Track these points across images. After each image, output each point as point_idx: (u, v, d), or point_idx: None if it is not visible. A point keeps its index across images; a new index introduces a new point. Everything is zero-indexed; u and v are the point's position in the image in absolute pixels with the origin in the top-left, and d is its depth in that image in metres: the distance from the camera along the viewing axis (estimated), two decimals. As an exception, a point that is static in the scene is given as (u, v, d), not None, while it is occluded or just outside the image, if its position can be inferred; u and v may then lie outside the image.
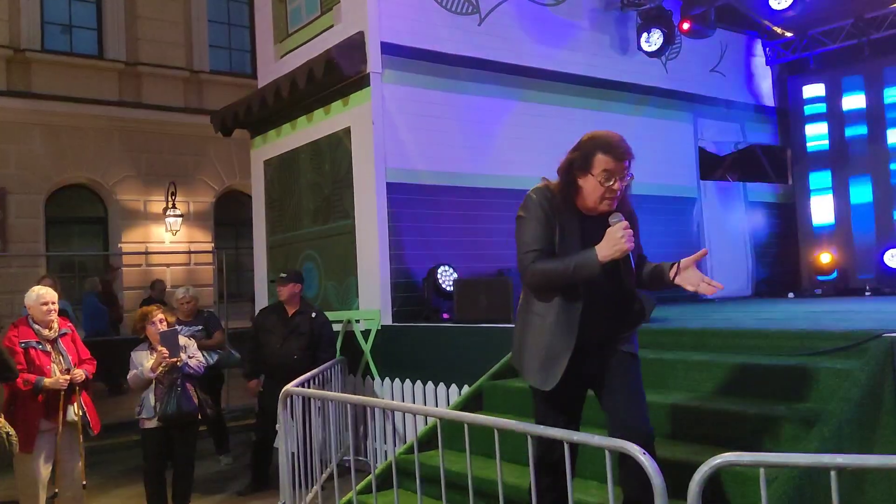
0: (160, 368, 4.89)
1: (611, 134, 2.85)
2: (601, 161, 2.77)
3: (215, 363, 6.64)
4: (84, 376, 4.84)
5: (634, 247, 2.83)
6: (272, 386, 5.52)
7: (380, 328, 6.38)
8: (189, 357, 5.06)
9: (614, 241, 2.71)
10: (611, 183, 2.78)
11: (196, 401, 5.02)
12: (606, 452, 2.39)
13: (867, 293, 8.73)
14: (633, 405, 2.87)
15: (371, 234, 6.49)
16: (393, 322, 6.38)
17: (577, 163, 2.82)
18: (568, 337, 2.83)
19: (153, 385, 4.93)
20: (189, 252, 13.69)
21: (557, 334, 2.84)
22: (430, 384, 5.83)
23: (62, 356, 4.82)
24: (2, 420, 4.41)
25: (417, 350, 6.01)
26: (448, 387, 5.67)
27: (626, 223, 2.74)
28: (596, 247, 2.74)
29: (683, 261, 2.89)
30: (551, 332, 2.86)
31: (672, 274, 2.89)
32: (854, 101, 9.33)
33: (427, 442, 4.21)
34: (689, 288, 2.85)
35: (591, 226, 2.84)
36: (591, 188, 2.81)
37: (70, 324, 5.13)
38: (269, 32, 8.10)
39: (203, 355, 6.42)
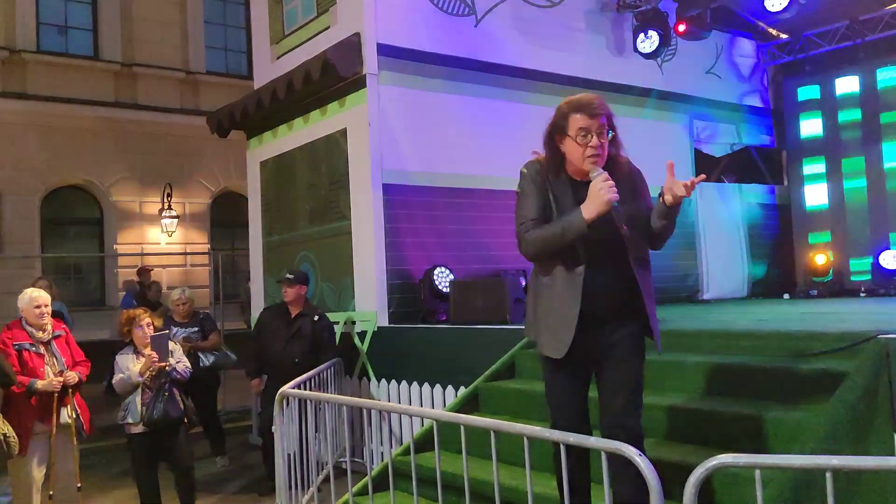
0: (148, 373, 4.87)
1: (584, 95, 2.95)
2: (576, 121, 2.84)
3: (212, 364, 6.62)
4: (77, 378, 4.82)
5: (641, 201, 2.90)
6: (275, 386, 5.50)
7: (376, 329, 6.37)
8: (177, 362, 5.05)
9: (596, 195, 2.75)
10: (588, 140, 2.83)
11: (182, 406, 5.01)
12: (602, 453, 2.40)
13: (862, 294, 8.74)
14: (622, 401, 2.89)
15: (367, 236, 6.48)
16: (389, 323, 6.38)
17: (556, 128, 2.91)
18: (574, 301, 2.86)
19: (139, 390, 4.90)
20: (185, 253, 13.67)
21: (564, 300, 2.88)
22: (426, 386, 5.83)
23: (56, 358, 4.81)
24: (1, 421, 4.40)
25: (414, 351, 6.00)
26: (444, 388, 5.67)
27: (605, 175, 2.77)
28: (581, 206, 2.79)
29: (664, 185, 2.87)
30: (559, 298, 2.90)
31: (663, 200, 2.88)
32: (848, 90, 9.36)
33: (423, 443, 4.20)
34: (682, 193, 2.81)
35: (585, 192, 2.84)
36: (571, 149, 2.88)
37: (64, 325, 5.12)
38: (265, 34, 8.09)
39: (199, 357, 6.44)
